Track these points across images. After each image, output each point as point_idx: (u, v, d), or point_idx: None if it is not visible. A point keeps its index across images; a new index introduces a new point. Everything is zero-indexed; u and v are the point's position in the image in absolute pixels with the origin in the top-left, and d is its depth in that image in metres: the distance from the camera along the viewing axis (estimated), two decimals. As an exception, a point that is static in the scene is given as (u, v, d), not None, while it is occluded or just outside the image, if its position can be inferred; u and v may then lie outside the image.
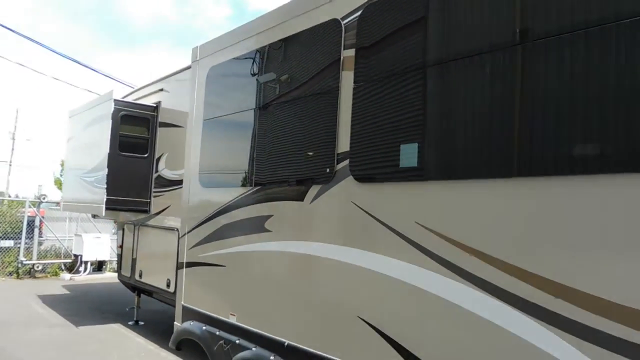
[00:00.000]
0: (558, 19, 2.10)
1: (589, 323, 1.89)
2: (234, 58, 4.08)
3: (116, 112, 6.84)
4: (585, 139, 2.00)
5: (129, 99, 8.02)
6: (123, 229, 7.91)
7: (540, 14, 2.16)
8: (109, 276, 11.96)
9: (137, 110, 7.06)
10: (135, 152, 7.15)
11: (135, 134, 7.17)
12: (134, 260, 7.50)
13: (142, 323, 7.73)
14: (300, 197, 3.27)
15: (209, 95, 4.33)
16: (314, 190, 3.17)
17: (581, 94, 2.00)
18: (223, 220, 3.97)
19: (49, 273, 12.12)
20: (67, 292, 10.26)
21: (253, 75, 3.91)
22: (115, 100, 6.84)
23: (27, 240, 11.64)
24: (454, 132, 2.43)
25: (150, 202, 7.11)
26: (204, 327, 4.04)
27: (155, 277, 6.72)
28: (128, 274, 7.63)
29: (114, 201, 6.84)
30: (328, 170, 3.06)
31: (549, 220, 2.05)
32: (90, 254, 11.69)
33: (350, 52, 3.02)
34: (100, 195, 6.71)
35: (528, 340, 2.06)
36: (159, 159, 7.09)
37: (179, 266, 4.50)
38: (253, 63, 3.90)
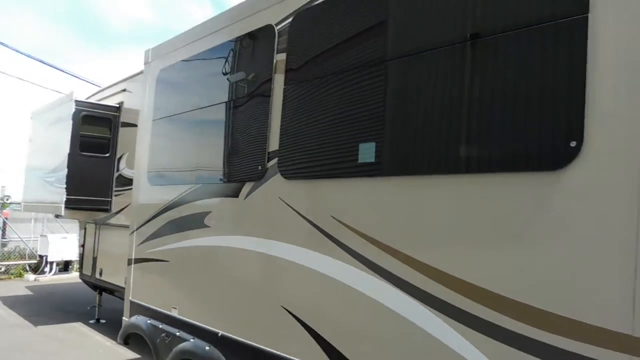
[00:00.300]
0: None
1: (476, 312, 2.08)
2: (181, 61, 4.22)
3: (77, 112, 6.91)
4: (473, 141, 2.19)
5: (94, 98, 8.08)
6: (85, 228, 7.95)
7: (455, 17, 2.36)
8: (75, 276, 11.89)
9: (99, 111, 7.14)
10: (97, 152, 7.22)
11: (97, 134, 7.24)
12: (94, 259, 7.55)
13: (104, 321, 7.77)
14: (235, 194, 3.42)
15: (158, 96, 4.47)
16: (247, 187, 3.33)
17: (472, 97, 2.20)
18: (167, 217, 4.10)
19: (12, 275, 12.02)
20: (31, 292, 10.20)
21: (196, 77, 4.06)
22: (76, 100, 6.91)
23: (-10, 242, 11.55)
24: (359, 136, 2.62)
25: (111, 201, 7.18)
26: (148, 321, 4.15)
27: (115, 275, 6.79)
28: (89, 273, 7.67)
29: (74, 201, 6.90)
30: (260, 168, 3.23)
31: (443, 215, 2.24)
32: (56, 255, 11.63)
33: (282, 56, 3.19)
34: (60, 195, 6.76)
35: (420, 326, 2.25)
36: (120, 158, 7.16)
37: (128, 262, 4.61)
38: (197, 66, 4.05)
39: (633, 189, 1.72)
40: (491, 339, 2.02)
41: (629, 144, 1.75)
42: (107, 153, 7.24)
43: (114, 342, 6.63)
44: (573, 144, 1.86)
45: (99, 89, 8.62)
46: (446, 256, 2.20)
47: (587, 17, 1.88)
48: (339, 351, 2.62)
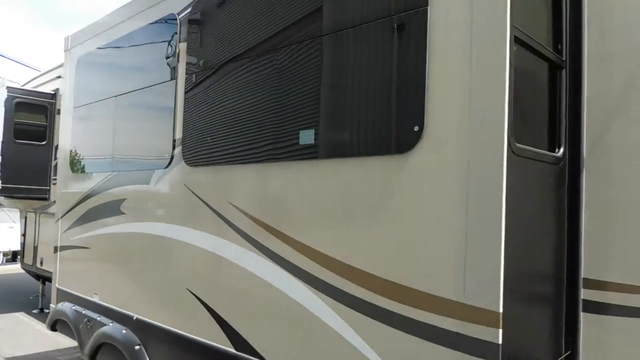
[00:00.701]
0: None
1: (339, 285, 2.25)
2: (97, 48, 4.23)
3: (10, 99, 6.78)
4: (331, 128, 2.34)
5: (33, 85, 7.92)
6: (25, 217, 7.86)
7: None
8: (25, 267, 11.72)
9: (34, 98, 7.02)
10: (33, 140, 7.11)
11: (33, 121, 7.13)
12: (35, 248, 7.49)
13: (47, 310, 7.74)
14: (146, 181, 3.50)
15: (77, 83, 4.46)
16: (157, 174, 3.41)
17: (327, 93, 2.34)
18: (88, 204, 4.14)
19: (-42, 266, 11.75)
20: (-24, 283, 10.03)
21: (111, 65, 4.08)
22: (8, 87, 6.77)
23: None
24: (250, 125, 2.74)
25: (49, 189, 7.12)
26: (73, 307, 4.22)
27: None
28: (30, 262, 7.61)
29: (10, 189, 6.81)
30: (167, 155, 3.31)
31: (312, 197, 2.39)
32: (2, 244, 11.42)
33: (184, 46, 3.26)
34: (-6, 183, 6.66)
35: (295, 299, 2.41)
36: (57, 146, 7.08)
37: (54, 250, 4.63)
38: (111, 54, 4.07)
39: (464, 169, 1.90)
40: (344, 306, 2.20)
41: (462, 128, 1.92)
42: (43, 141, 7.14)
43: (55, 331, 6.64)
44: (416, 128, 2.03)
45: (38, 74, 8.45)
46: (316, 234, 2.36)
47: (426, 10, 2.03)
48: (234, 329, 2.77)
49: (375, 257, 2.13)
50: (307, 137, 2.39)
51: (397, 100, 2.11)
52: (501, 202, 1.80)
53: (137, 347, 3.40)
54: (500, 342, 1.76)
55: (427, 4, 2.03)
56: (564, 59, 2.48)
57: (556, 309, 2.44)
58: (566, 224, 2.46)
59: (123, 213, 3.72)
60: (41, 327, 6.88)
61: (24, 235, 7.86)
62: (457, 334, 1.86)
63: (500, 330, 1.76)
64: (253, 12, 2.77)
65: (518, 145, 2.02)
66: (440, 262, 1.93)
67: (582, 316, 2.42)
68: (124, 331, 3.55)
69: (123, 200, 3.72)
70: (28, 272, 7.90)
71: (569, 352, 2.44)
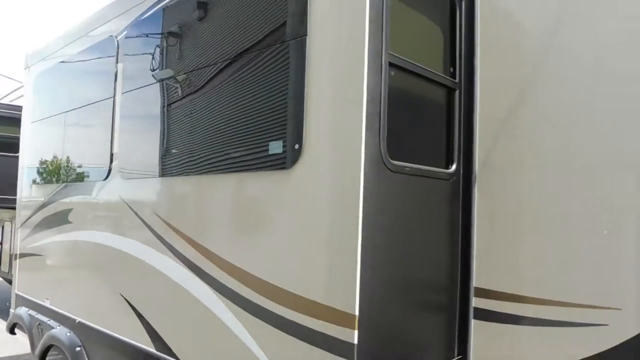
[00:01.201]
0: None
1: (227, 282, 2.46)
2: (50, 66, 4.47)
3: (-16, 112, 7.01)
4: (230, 146, 2.56)
5: (11, 97, 8.17)
6: (3, 226, 8.07)
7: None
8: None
9: (6, 111, 7.26)
10: (9, 151, 7.34)
11: (7, 133, 7.36)
12: (11, 256, 7.69)
13: (23, 317, 7.92)
14: (89, 192, 3.71)
15: (34, 99, 4.70)
16: (98, 185, 3.62)
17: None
18: (43, 213, 4.35)
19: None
20: (-42, 291, 10.20)
21: (61, 83, 4.32)
22: (-18, 101, 7.01)
23: None
24: (165, 142, 2.97)
25: (24, 199, 7.32)
26: (28, 312, 4.42)
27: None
28: (7, 270, 7.81)
29: (-14, 199, 7.03)
30: (105, 168, 3.52)
31: (214, 206, 2.61)
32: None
33: (121, 66, 3.49)
34: (-30, 192, 6.88)
35: (204, 302, 2.62)
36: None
37: (14, 257, 4.84)
38: (63, 71, 4.31)
39: (332, 183, 2.11)
40: (239, 307, 2.41)
41: (331, 146, 2.13)
42: (17, 152, 7.36)
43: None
44: (297, 146, 2.24)
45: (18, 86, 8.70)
46: (217, 241, 2.58)
47: (305, 39, 2.24)
48: (155, 330, 2.97)
49: (262, 262, 2.34)
50: (208, 153, 2.63)
51: (282, 121, 2.32)
52: (358, 213, 2.00)
53: (77, 349, 3.60)
54: (355, 342, 1.95)
55: (306, 34, 2.25)
56: (457, 81, 2.68)
57: (448, 316, 2.63)
58: (460, 236, 2.66)
59: (70, 222, 3.93)
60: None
61: (1, 243, 8.07)
62: (323, 334, 2.06)
63: (356, 332, 1.96)
64: (171, 40, 3.01)
65: (394, 162, 2.23)
66: (311, 267, 2.14)
67: (473, 323, 2.61)
68: (68, 334, 3.75)
69: (70, 210, 3.94)
70: (5, 279, 8.09)
71: (460, 357, 2.63)
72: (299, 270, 2.18)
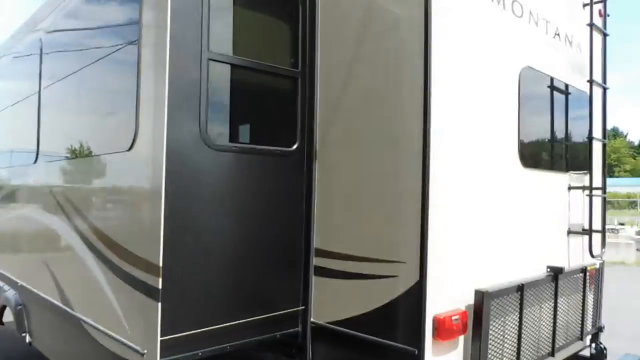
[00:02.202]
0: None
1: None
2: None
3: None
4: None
5: None
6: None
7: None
8: None
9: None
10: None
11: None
12: None
13: None
14: (25, 174, 4.30)
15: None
16: (30, 168, 4.20)
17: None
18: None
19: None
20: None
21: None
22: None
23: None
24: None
25: None
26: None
27: None
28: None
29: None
30: (34, 153, 4.09)
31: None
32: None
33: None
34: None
35: (89, 266, 3.17)
36: None
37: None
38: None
39: (154, 160, 2.56)
40: (102, 263, 2.92)
41: (154, 131, 2.57)
42: None
43: None
44: (133, 133, 2.70)
45: None
46: (90, 211, 3.10)
47: (138, 43, 2.68)
48: (62, 288, 3.53)
49: (113, 224, 2.85)
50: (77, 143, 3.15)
51: (127, 113, 2.77)
52: (161, 182, 2.45)
53: (19, 307, 4.22)
54: (160, 287, 2.43)
55: (138, 39, 2.68)
56: (299, 71, 3.08)
57: (294, 273, 3.07)
58: (304, 204, 3.09)
59: (15, 201, 4.55)
60: None
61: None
62: (142, 281, 2.55)
63: (160, 279, 2.43)
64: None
65: (218, 143, 2.69)
66: (137, 228, 2.63)
67: (313, 279, 3.06)
68: (14, 295, 4.38)
69: (15, 189, 4.55)
70: None
71: (304, 307, 3.09)
72: (130, 230, 2.68)
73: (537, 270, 3.28)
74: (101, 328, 2.94)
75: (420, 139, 2.51)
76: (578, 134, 3.84)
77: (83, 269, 3.14)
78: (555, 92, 3.65)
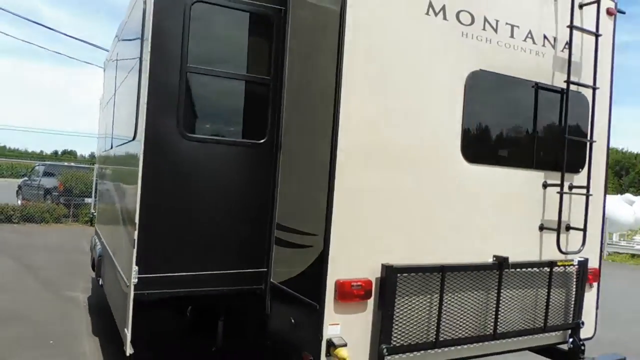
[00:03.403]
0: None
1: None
2: (108, 65, 6.52)
3: None
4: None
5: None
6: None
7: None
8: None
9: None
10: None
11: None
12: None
13: None
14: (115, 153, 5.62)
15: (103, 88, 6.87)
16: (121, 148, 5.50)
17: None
18: (100, 170, 6.49)
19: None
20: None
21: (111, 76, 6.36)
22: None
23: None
24: None
25: None
26: (92, 237, 6.62)
27: None
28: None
29: None
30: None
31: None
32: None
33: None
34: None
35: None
36: None
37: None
38: (111, 69, 6.31)
39: (139, 150, 3.48)
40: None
41: (141, 127, 3.48)
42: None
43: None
44: (134, 131, 3.65)
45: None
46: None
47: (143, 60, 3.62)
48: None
49: (126, 197, 3.85)
50: (120, 133, 4.20)
51: (134, 110, 3.73)
52: (140, 161, 3.34)
53: (99, 258, 5.55)
54: (135, 238, 3.32)
55: (139, 56, 3.62)
56: (269, 78, 3.77)
57: (260, 243, 3.77)
58: (271, 185, 3.80)
59: (104, 177, 5.95)
60: None
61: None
62: (130, 235, 3.47)
63: (136, 232, 3.32)
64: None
65: (194, 135, 3.52)
66: (130, 195, 3.56)
67: (274, 247, 3.75)
68: (99, 248, 5.75)
69: (104, 167, 5.96)
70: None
71: (265, 269, 3.79)
72: (127, 199, 3.65)
73: (484, 258, 3.55)
74: (119, 269, 4.00)
75: (330, 134, 3.05)
76: (555, 134, 3.91)
77: (116, 229, 4.24)
78: (524, 94, 3.81)
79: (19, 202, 18.13)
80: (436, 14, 3.35)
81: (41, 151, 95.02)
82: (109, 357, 4.93)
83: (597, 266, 4.24)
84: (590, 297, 4.22)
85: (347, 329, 3.09)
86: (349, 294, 3.06)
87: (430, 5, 3.33)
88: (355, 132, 3.08)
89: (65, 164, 25.15)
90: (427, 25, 3.32)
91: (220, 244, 3.68)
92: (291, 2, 3.71)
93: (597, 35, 3.95)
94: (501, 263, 3.54)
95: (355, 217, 3.11)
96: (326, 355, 3.02)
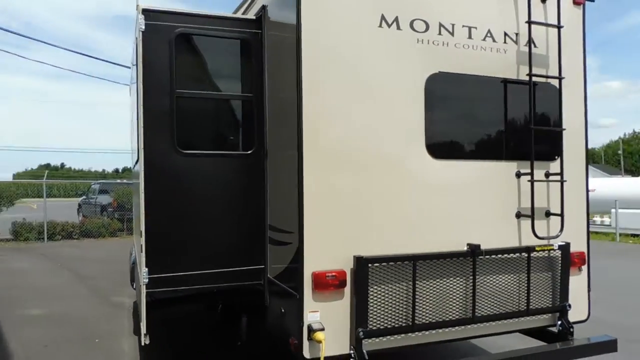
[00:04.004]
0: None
1: None
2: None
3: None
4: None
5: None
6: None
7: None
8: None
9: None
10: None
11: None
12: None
13: None
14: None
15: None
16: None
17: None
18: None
19: None
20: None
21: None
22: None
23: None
24: None
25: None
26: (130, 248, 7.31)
27: None
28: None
29: None
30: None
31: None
32: None
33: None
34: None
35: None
36: None
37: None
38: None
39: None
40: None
41: (140, 144, 4.01)
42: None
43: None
44: (137, 148, 4.19)
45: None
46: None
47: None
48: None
49: (135, 207, 4.39)
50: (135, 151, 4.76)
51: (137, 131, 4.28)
52: (142, 175, 3.87)
53: (132, 265, 6.19)
54: (143, 244, 3.85)
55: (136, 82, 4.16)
56: (252, 95, 4.23)
57: (258, 242, 4.23)
58: (263, 191, 4.25)
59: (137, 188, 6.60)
60: None
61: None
62: (139, 241, 4.02)
63: (143, 239, 3.86)
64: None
65: (186, 151, 4.02)
66: (138, 206, 4.09)
67: (269, 246, 4.20)
68: (133, 256, 6.40)
69: (135, 180, 6.60)
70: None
71: (263, 266, 4.25)
72: (136, 209, 4.17)
73: (461, 247, 3.84)
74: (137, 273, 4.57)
75: (296, 140, 3.45)
76: (523, 125, 4.13)
77: (136, 237, 4.81)
78: (490, 90, 4.06)
79: (79, 219, 19.60)
80: (389, 25, 3.68)
81: (103, 170, 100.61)
82: (144, 353, 5.53)
83: (584, 250, 4.40)
84: (579, 280, 4.39)
85: (326, 315, 3.47)
86: (325, 284, 3.45)
87: (383, 18, 3.66)
88: (319, 137, 3.45)
89: (118, 181, 26.76)
90: (381, 36, 3.65)
91: (220, 245, 4.16)
92: (265, 25, 4.14)
93: (559, 28, 4.14)
94: (473, 250, 3.81)
95: (326, 214, 3.49)
96: (308, 339, 3.42)
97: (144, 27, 3.91)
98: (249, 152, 4.22)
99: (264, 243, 4.22)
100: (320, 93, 3.48)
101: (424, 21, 3.79)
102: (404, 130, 3.74)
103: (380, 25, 3.66)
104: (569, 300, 4.21)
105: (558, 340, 4.19)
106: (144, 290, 3.88)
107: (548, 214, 4.20)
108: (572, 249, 4.25)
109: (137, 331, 6.41)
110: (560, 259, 4.18)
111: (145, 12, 3.94)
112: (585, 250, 4.41)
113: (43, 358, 5.47)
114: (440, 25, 3.85)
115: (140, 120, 3.92)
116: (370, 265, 3.52)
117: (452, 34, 3.88)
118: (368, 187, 3.62)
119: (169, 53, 3.99)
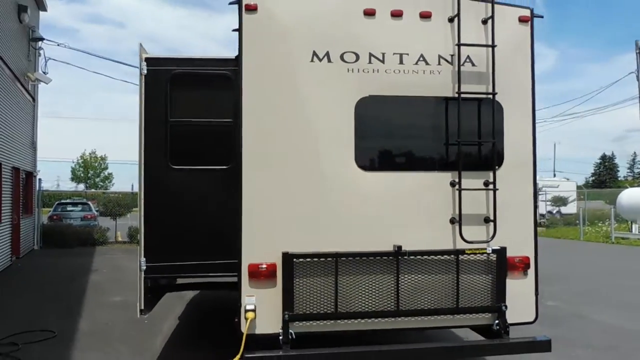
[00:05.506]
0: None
1: None
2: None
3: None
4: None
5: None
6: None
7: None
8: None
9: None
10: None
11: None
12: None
13: None
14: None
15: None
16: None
17: None
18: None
19: None
20: None
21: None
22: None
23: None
24: None
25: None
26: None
27: None
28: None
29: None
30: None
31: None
32: None
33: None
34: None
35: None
36: None
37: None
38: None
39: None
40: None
41: (139, 159, 5.14)
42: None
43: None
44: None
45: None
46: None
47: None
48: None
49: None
50: None
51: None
52: (142, 186, 4.99)
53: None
54: (142, 239, 4.96)
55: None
56: (230, 120, 5.17)
57: (234, 240, 5.14)
58: (239, 198, 5.16)
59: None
60: None
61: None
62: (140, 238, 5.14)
63: (142, 235, 4.96)
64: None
65: (176, 166, 5.11)
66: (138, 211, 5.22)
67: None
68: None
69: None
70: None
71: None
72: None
73: (387, 248, 4.37)
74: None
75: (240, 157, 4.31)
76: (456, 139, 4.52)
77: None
78: (423, 108, 4.55)
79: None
80: (320, 60, 4.38)
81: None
82: (177, 330, 6.70)
83: (529, 255, 4.60)
84: (525, 284, 4.62)
85: (260, 299, 4.25)
86: (257, 273, 4.24)
87: (315, 54, 4.37)
88: (255, 152, 4.28)
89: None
90: (313, 69, 4.36)
91: (204, 241, 5.14)
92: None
93: (492, 47, 4.48)
94: (397, 251, 4.31)
95: (260, 217, 4.29)
96: (245, 318, 4.22)
97: (145, 71, 5.07)
98: (226, 167, 5.15)
99: (240, 239, 5.09)
100: (256, 115, 4.30)
101: (355, 53, 4.42)
102: (335, 147, 4.39)
103: (312, 60, 4.38)
104: (506, 302, 4.45)
105: (495, 337, 4.46)
106: (142, 275, 4.98)
107: (487, 220, 4.51)
108: (515, 254, 4.51)
109: (181, 316, 7.66)
110: (495, 262, 4.46)
111: (148, 60, 5.10)
112: (532, 255, 4.61)
113: (99, 332, 6.90)
114: (371, 55, 4.44)
115: (141, 142, 5.08)
116: (295, 260, 4.22)
117: (382, 61, 4.45)
118: (300, 195, 4.33)
119: (165, 90, 5.10)
